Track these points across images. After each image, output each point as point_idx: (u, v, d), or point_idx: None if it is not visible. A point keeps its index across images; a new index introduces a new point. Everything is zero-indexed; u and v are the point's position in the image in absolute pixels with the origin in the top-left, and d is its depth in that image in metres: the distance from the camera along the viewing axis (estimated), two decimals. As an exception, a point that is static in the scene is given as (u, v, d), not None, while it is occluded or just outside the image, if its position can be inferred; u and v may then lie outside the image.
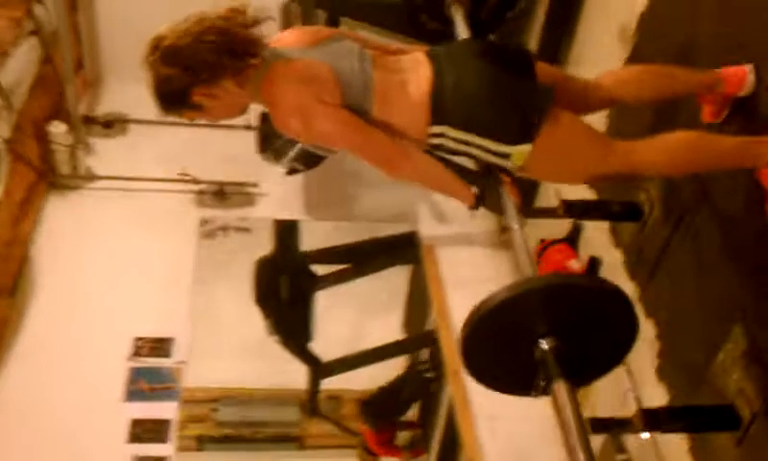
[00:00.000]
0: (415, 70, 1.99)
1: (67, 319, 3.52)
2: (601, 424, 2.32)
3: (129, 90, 4.46)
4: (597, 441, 2.96)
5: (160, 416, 3.32)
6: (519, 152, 1.94)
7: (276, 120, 1.96)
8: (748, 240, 2.21)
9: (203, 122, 4.28)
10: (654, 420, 2.16)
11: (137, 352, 3.48)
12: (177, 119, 4.22)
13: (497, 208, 2.08)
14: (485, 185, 2.06)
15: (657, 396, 2.63)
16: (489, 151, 1.96)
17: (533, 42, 3.53)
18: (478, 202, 2.07)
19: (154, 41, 1.91)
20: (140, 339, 3.52)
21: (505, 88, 1.94)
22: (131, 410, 3.31)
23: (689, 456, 2.43)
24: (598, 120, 2.90)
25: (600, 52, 3.16)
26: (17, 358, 3.35)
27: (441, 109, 1.94)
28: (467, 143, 1.96)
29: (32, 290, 3.59)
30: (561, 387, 1.66)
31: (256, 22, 1.91)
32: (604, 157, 2.02)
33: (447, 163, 2.10)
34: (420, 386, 4.66)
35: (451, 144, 1.98)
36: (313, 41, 1.99)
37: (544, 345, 1.72)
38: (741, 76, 2.20)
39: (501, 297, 1.69)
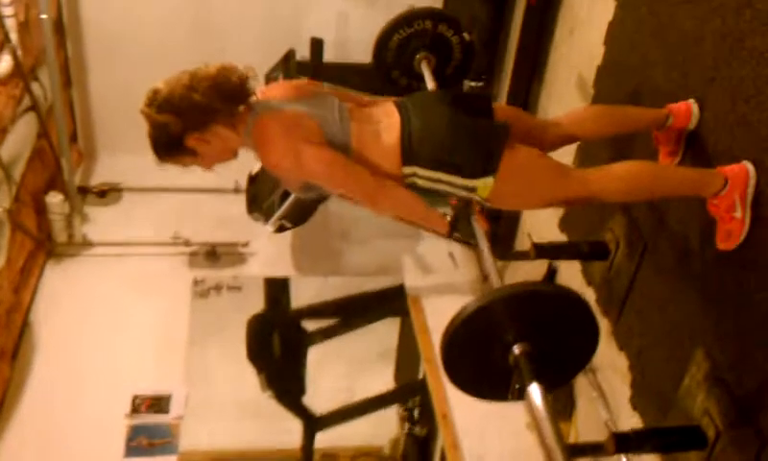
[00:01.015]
0: (386, 120, 2.18)
1: (67, 380, 3.62)
2: (577, 450, 2.44)
3: (121, 161, 4.68)
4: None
5: (160, 468, 3.42)
6: (484, 185, 2.12)
7: (268, 162, 2.12)
8: (703, 268, 2.38)
9: (193, 187, 4.48)
10: (624, 442, 2.29)
11: (136, 410, 3.58)
12: (167, 185, 4.39)
13: (468, 235, 2.27)
14: (457, 215, 2.25)
15: (632, 423, 2.77)
16: (456, 186, 2.14)
17: (503, 95, 3.76)
18: (451, 229, 2.26)
19: (150, 94, 2.07)
20: (138, 397, 3.63)
21: (465, 128, 2.13)
22: (133, 463, 3.41)
23: (663, 477, 2.57)
24: (567, 153, 3.10)
25: (564, 100, 3.38)
26: (21, 419, 3.44)
27: (409, 152, 2.12)
28: (435, 180, 2.14)
29: (33, 353, 3.70)
30: (534, 389, 1.78)
31: (245, 76, 2.10)
32: (562, 185, 2.20)
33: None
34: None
35: (422, 182, 2.16)
36: (297, 96, 2.18)
37: (516, 350, 1.85)
38: (687, 109, 2.41)
39: (472, 307, 1.83)
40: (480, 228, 2.25)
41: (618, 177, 2.21)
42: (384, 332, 5.09)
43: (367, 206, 2.17)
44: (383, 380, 5.27)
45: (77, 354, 3.75)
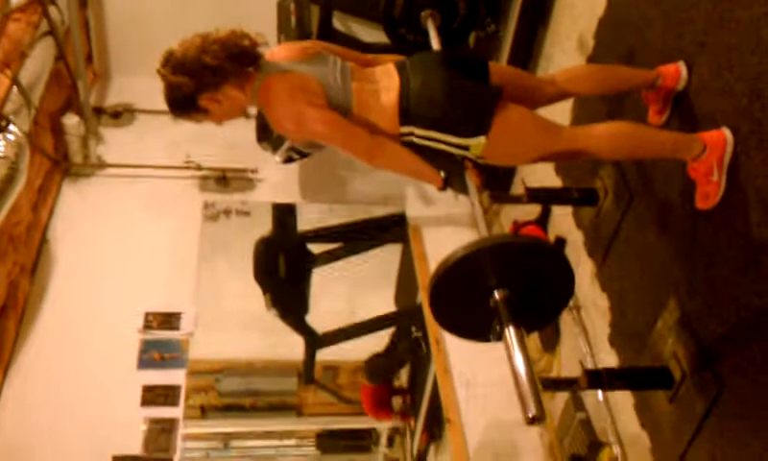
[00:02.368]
0: (386, 80, 2.32)
1: (83, 295, 3.84)
2: (553, 383, 2.65)
3: (135, 82, 4.79)
4: (560, 402, 3.31)
5: (170, 382, 3.65)
6: (476, 143, 2.27)
7: (273, 121, 2.29)
8: (681, 223, 2.54)
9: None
10: (596, 379, 2.50)
11: (148, 326, 3.82)
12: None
13: (462, 189, 2.43)
14: (451, 169, 2.40)
15: (609, 360, 2.98)
16: (450, 144, 2.29)
17: (506, 48, 3.84)
18: (445, 183, 2.41)
19: (165, 54, 2.23)
20: (151, 313, 3.85)
21: (460, 90, 2.26)
22: (143, 377, 3.63)
23: (634, 411, 2.78)
24: (564, 111, 3.23)
25: (567, 50, 3.47)
26: (39, 331, 3.68)
27: (407, 113, 2.27)
28: (431, 139, 2.29)
29: (50, 269, 3.92)
30: (511, 331, 1.94)
31: (255, 40, 2.23)
32: (551, 142, 2.34)
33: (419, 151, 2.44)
34: (410, 344, 4.94)
35: (418, 141, 2.31)
36: (302, 57, 2.32)
37: (497, 295, 2.01)
38: (676, 71, 2.53)
39: (458, 255, 1.99)
40: (472, 181, 2.40)
41: (603, 136, 2.36)
42: (386, 257, 5.27)
43: (364, 162, 2.32)
44: (384, 303, 5.48)
45: (92, 271, 3.96)
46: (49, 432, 3.36)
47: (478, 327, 2.14)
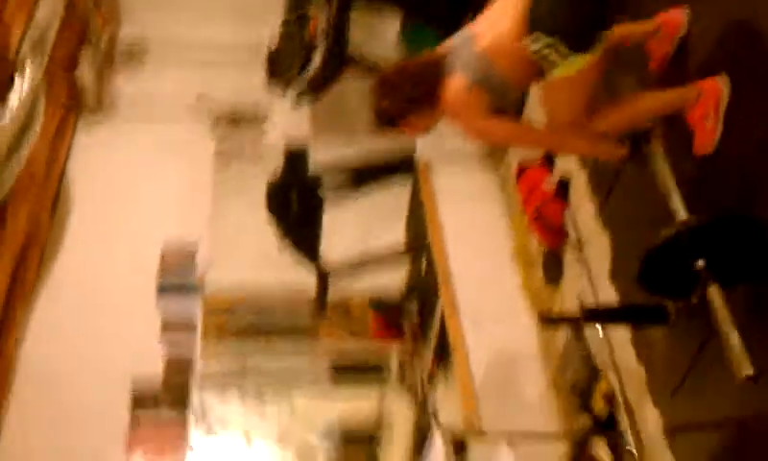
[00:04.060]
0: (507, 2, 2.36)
1: (102, 231, 4.01)
2: (552, 320, 2.75)
3: (144, 27, 4.84)
4: (562, 336, 3.44)
5: (187, 311, 3.86)
6: (575, 62, 2.26)
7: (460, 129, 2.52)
8: (681, 167, 2.61)
9: (215, 57, 4.66)
10: (594, 315, 2.60)
11: (165, 260, 3.96)
12: (190, 55, 4.59)
13: (646, 159, 2.60)
14: (637, 139, 2.58)
15: (609, 294, 3.09)
16: (558, 53, 2.26)
17: None
18: (631, 153, 2.59)
19: (377, 78, 2.50)
20: (167, 248, 4.00)
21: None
22: (162, 307, 3.83)
23: (631, 345, 2.90)
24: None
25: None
26: (62, 267, 3.87)
27: (536, 21, 2.26)
28: (549, 47, 2.26)
29: (69, 208, 4.08)
30: (715, 291, 2.16)
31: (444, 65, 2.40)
32: (587, 112, 2.42)
33: None
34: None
35: (537, 54, 2.29)
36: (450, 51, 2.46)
37: (700, 263, 2.22)
38: (677, 17, 2.57)
39: (671, 230, 2.25)
40: (659, 148, 2.52)
41: (616, 119, 2.49)
42: (397, 193, 5.35)
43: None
44: (395, 238, 5.57)
45: (109, 210, 4.12)
46: (72, 357, 3.56)
47: (680, 290, 2.33)
